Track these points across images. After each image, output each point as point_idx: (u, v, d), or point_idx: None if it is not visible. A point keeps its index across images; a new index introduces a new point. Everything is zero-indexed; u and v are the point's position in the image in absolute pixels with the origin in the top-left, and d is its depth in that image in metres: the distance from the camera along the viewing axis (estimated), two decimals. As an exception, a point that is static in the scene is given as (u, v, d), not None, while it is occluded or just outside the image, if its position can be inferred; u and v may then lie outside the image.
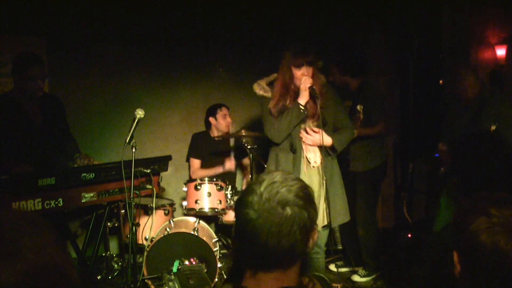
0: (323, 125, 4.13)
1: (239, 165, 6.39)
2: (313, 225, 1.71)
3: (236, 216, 1.75)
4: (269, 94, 4.24)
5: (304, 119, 4.16)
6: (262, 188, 1.69)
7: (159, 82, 6.47)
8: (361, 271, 5.55)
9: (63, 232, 4.68)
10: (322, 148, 4.13)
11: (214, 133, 6.00)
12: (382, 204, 7.01)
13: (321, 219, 4.15)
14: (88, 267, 4.69)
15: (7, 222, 1.28)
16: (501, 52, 6.17)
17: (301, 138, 4.17)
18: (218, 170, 5.80)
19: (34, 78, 4.47)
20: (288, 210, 1.64)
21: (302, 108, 4.10)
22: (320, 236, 4.29)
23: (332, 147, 4.22)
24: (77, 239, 4.99)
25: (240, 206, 1.72)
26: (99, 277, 5.17)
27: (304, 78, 4.08)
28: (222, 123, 5.97)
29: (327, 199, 4.18)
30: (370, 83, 5.66)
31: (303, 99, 4.10)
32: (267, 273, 1.69)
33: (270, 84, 4.30)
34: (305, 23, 6.79)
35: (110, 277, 5.21)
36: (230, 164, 5.80)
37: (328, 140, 4.15)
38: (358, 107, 5.36)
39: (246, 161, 6.18)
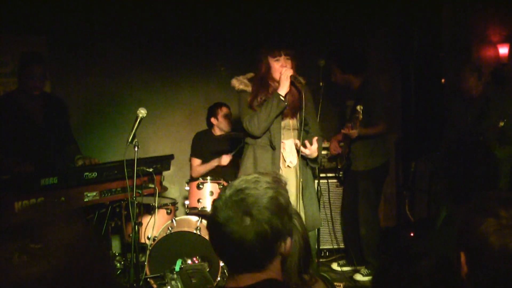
0: (305, 125, 4.15)
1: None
2: (280, 236, 1.68)
3: (208, 220, 1.79)
4: (249, 89, 4.23)
5: (284, 112, 4.14)
6: (228, 193, 1.69)
7: (161, 81, 6.46)
8: (363, 270, 5.55)
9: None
10: (299, 149, 4.14)
11: (217, 132, 5.99)
12: (384, 203, 6.99)
13: None
14: (112, 266, 4.68)
15: (51, 218, 1.28)
16: (503, 50, 6.15)
17: (280, 136, 4.18)
18: (214, 163, 5.76)
19: (32, 76, 4.49)
20: (247, 220, 1.63)
21: (282, 98, 4.06)
22: None
23: (315, 160, 4.25)
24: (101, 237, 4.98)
25: (211, 209, 1.74)
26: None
27: (284, 69, 4.07)
28: (223, 122, 5.96)
29: (303, 203, 4.18)
30: (372, 82, 5.64)
31: (283, 89, 4.07)
32: (242, 274, 1.70)
33: (249, 81, 4.29)
34: (306, 22, 6.78)
35: (112, 276, 5.20)
36: (227, 158, 5.75)
37: (315, 153, 4.17)
38: (358, 107, 5.33)
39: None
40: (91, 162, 4.53)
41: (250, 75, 4.32)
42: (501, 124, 4.51)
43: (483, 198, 1.70)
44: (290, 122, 4.23)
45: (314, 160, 4.23)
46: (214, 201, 1.72)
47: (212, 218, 1.70)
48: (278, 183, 1.75)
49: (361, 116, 5.22)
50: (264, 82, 4.19)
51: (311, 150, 4.11)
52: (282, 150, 4.19)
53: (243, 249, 1.63)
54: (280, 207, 1.69)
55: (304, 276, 1.95)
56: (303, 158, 4.21)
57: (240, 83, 4.27)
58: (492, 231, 1.57)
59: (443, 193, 2.72)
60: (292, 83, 4.09)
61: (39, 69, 4.52)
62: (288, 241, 1.74)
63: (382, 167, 5.61)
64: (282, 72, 4.07)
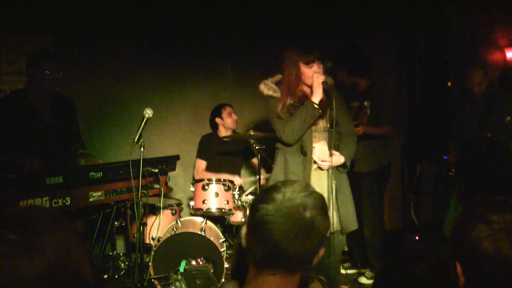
0: (335, 125, 4.02)
1: (248, 165, 6.38)
2: (325, 237, 1.70)
3: (253, 210, 1.73)
4: (278, 94, 4.08)
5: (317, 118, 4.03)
6: (285, 188, 1.69)
7: (167, 82, 6.47)
8: (368, 273, 5.54)
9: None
10: (331, 151, 4.05)
11: (222, 133, 5.98)
12: (389, 206, 6.99)
13: (331, 226, 4.04)
14: (94, 266, 4.68)
15: (32, 216, 1.29)
16: (510, 54, 6.13)
17: (312, 139, 4.07)
18: (223, 176, 5.71)
19: (50, 69, 4.53)
20: (308, 214, 1.64)
21: (317, 106, 3.94)
22: (335, 244, 4.23)
23: (343, 164, 4.14)
24: (84, 238, 4.99)
25: (261, 200, 1.71)
26: (106, 276, 5.17)
27: (316, 75, 3.95)
28: (228, 121, 5.95)
29: (337, 205, 4.11)
30: (378, 84, 5.64)
31: (317, 96, 3.95)
32: (270, 275, 1.68)
33: (276, 84, 4.16)
34: (312, 24, 6.77)
35: (116, 276, 5.21)
36: (239, 180, 5.78)
37: (340, 160, 4.08)
38: (365, 103, 5.31)
39: (254, 161, 6.15)
40: (94, 162, 4.54)
41: (278, 77, 4.18)
42: (508, 118, 4.47)
43: (472, 205, 1.67)
44: (320, 124, 4.11)
45: (342, 165, 4.14)
46: (267, 193, 1.71)
47: (265, 208, 1.67)
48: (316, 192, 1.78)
49: (369, 111, 5.21)
50: (293, 87, 4.05)
51: (332, 162, 4.03)
52: (313, 154, 4.08)
53: (292, 244, 1.63)
54: (326, 208, 1.74)
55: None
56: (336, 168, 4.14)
57: (268, 88, 4.12)
58: (484, 236, 1.54)
59: (459, 198, 2.71)
60: (324, 90, 3.97)
61: (55, 64, 4.58)
62: (322, 251, 1.76)
63: (384, 168, 5.60)
64: (314, 78, 3.95)
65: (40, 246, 1.22)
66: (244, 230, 1.79)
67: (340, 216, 4.12)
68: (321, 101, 3.98)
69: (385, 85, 6.10)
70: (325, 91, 3.97)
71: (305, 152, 4.05)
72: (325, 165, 4.03)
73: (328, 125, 4.08)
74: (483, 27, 6.24)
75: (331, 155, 4.06)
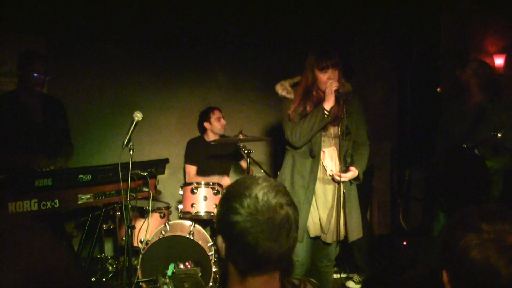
0: (346, 134, 3.99)
1: (237, 168, 6.38)
2: (297, 226, 1.71)
3: (227, 223, 1.68)
4: (291, 96, 4.09)
5: (327, 124, 4.01)
6: (251, 191, 1.67)
7: (157, 85, 6.46)
8: (355, 277, 5.56)
9: (59, 233, 4.67)
10: (341, 158, 4.04)
11: (210, 137, 5.97)
12: (378, 211, 7.01)
13: (334, 233, 4.05)
14: (83, 268, 4.69)
15: (2, 228, 1.26)
16: (499, 61, 6.18)
17: (320, 143, 4.05)
18: (214, 180, 5.70)
19: (37, 71, 4.54)
20: (284, 211, 1.65)
21: (327, 113, 3.92)
22: (332, 250, 4.24)
23: (356, 177, 4.11)
24: (72, 241, 4.99)
25: (232, 211, 1.66)
26: (94, 279, 5.16)
27: (330, 82, 3.92)
28: (217, 126, 5.95)
29: (344, 213, 4.07)
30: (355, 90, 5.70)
31: (328, 103, 3.93)
32: (256, 277, 1.68)
33: (293, 86, 4.16)
34: (305, 29, 6.80)
35: (104, 279, 5.20)
36: (228, 180, 5.77)
37: (355, 174, 4.06)
38: None
39: (243, 164, 6.15)
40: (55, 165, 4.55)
41: (297, 79, 4.18)
42: (499, 135, 4.45)
43: (463, 213, 1.68)
44: (331, 130, 4.08)
45: (356, 177, 4.11)
46: (236, 200, 1.67)
47: (239, 216, 1.65)
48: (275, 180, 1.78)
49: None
50: (308, 91, 4.06)
51: (346, 177, 4.00)
52: (322, 159, 4.06)
53: (283, 243, 1.64)
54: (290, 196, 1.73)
55: (294, 281, 1.95)
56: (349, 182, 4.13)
57: (283, 89, 4.14)
58: (473, 245, 1.55)
59: (438, 201, 2.71)
60: (336, 98, 3.94)
61: (43, 66, 4.59)
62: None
63: (367, 171, 5.62)
64: (328, 85, 3.93)
65: (14, 260, 1.20)
66: (220, 240, 1.74)
67: (347, 225, 4.09)
68: (333, 109, 3.97)
69: (375, 90, 6.12)
70: (337, 99, 3.94)
71: (314, 155, 4.03)
72: (342, 178, 3.99)
73: (340, 133, 4.04)
74: (474, 34, 6.27)
75: (345, 166, 4.05)
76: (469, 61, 5.03)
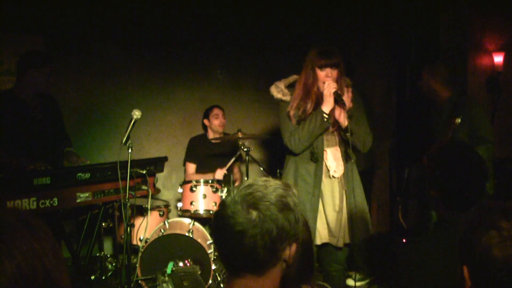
0: (351, 134, 3.81)
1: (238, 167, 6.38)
2: (284, 236, 1.67)
3: (213, 216, 1.77)
4: (288, 98, 3.91)
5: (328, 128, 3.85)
6: (236, 191, 1.71)
7: (156, 83, 6.46)
8: (355, 275, 5.54)
9: (58, 232, 4.67)
10: (343, 155, 3.93)
11: (210, 135, 5.99)
12: (377, 210, 7.01)
13: (343, 236, 3.91)
14: (82, 267, 4.68)
15: (5, 221, 1.27)
16: (498, 59, 6.18)
17: (323, 144, 3.88)
18: (209, 177, 5.70)
19: (51, 74, 4.54)
20: (253, 214, 1.64)
21: (326, 116, 3.78)
22: (342, 254, 4.09)
23: (345, 128, 3.86)
24: (71, 239, 4.97)
25: (218, 206, 1.75)
26: (93, 277, 5.16)
27: (327, 83, 3.76)
28: (214, 123, 5.97)
29: (349, 215, 3.91)
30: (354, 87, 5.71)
31: (327, 106, 3.78)
32: (240, 279, 1.69)
33: (289, 87, 3.98)
34: (304, 27, 6.80)
35: (104, 278, 5.19)
36: (220, 172, 5.73)
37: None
38: None
39: (235, 167, 6.15)
40: (78, 162, 4.52)
41: (293, 78, 4.03)
42: (458, 120, 4.48)
43: (483, 209, 1.67)
44: (332, 128, 3.94)
45: (345, 129, 3.86)
46: (224, 198, 1.75)
47: (218, 212, 1.71)
48: (288, 187, 1.76)
49: (341, 99, 5.22)
50: (308, 90, 3.87)
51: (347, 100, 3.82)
52: (325, 159, 3.90)
53: (245, 244, 1.63)
54: (288, 206, 1.69)
55: (303, 286, 1.94)
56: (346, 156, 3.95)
57: (278, 91, 3.94)
58: (494, 243, 1.55)
59: (431, 200, 2.71)
60: (335, 100, 3.79)
61: (48, 72, 4.56)
62: (294, 247, 1.73)
63: (367, 171, 5.62)
64: (325, 87, 3.77)
65: (10, 252, 1.21)
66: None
67: (353, 226, 3.93)
68: (332, 111, 3.83)
69: (373, 89, 6.12)
70: (336, 101, 3.80)
71: (316, 159, 3.87)
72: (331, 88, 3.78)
73: (349, 133, 3.85)
74: (473, 32, 6.27)
75: (346, 163, 3.93)
76: (425, 74, 5.06)
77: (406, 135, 7.09)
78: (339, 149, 3.95)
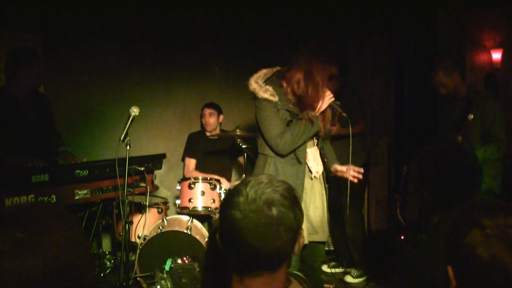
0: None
1: (235, 164, 6.38)
2: (299, 227, 1.68)
3: (221, 218, 1.71)
4: (275, 99, 3.65)
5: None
6: (248, 189, 1.66)
7: (154, 80, 6.46)
8: (353, 271, 5.56)
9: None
10: (320, 154, 3.96)
11: (207, 132, 6.00)
12: (375, 206, 7.01)
13: (325, 230, 3.94)
14: (94, 265, 4.68)
15: (42, 215, 1.30)
16: (496, 55, 6.18)
17: (305, 146, 3.81)
18: (214, 176, 5.70)
19: (32, 75, 4.53)
20: (274, 211, 1.62)
21: (321, 127, 3.81)
22: (323, 248, 4.12)
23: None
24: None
25: (225, 207, 1.69)
26: (91, 274, 5.15)
27: (327, 94, 3.72)
28: (205, 123, 6.02)
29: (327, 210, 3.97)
30: (349, 84, 5.72)
31: (319, 114, 3.78)
32: (255, 278, 1.67)
33: (268, 82, 3.74)
34: (302, 24, 6.79)
35: (102, 275, 5.19)
36: (228, 184, 5.76)
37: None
38: (336, 102, 5.34)
39: (240, 159, 6.16)
40: (73, 161, 4.52)
41: (272, 71, 3.86)
42: (471, 117, 4.47)
43: (465, 208, 1.67)
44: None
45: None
46: (230, 198, 1.68)
47: (232, 214, 1.64)
48: (287, 182, 1.75)
49: (339, 110, 5.23)
50: (311, 96, 3.69)
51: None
52: (308, 162, 3.83)
53: (271, 243, 1.61)
54: (297, 199, 1.70)
55: (290, 278, 1.93)
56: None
57: (264, 91, 3.67)
58: (479, 242, 1.55)
59: (429, 199, 2.71)
60: (333, 111, 3.83)
61: (38, 68, 4.58)
62: (301, 239, 1.72)
63: (363, 167, 5.62)
64: (325, 95, 3.72)
65: (46, 245, 1.23)
66: (217, 236, 1.75)
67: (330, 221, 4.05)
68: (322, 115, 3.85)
69: (357, 88, 6.14)
70: (333, 112, 3.86)
71: (300, 161, 3.77)
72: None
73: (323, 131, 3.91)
74: (471, 29, 6.27)
75: (323, 160, 3.97)
76: (434, 71, 4.98)
77: (405, 132, 7.09)
78: (317, 148, 3.96)
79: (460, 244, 1.59)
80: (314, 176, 3.86)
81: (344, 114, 3.81)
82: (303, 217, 1.70)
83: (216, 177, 5.61)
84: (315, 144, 3.94)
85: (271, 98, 3.66)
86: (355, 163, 5.40)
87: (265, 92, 3.67)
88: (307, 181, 3.83)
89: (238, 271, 1.71)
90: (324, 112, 3.82)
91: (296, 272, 1.99)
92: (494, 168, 4.54)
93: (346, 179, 3.95)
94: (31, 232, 1.24)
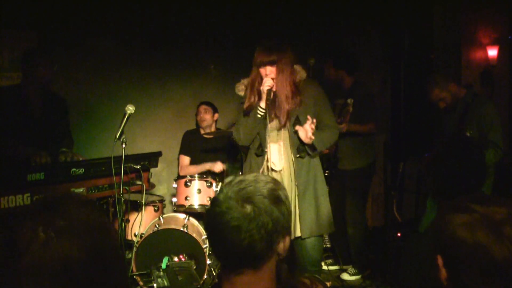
0: (295, 124, 4.00)
1: (230, 162, 6.38)
2: (279, 229, 1.67)
3: (205, 214, 1.76)
4: (242, 94, 4.16)
5: (266, 120, 4.00)
6: (229, 187, 1.70)
7: (150, 78, 6.45)
8: (350, 269, 5.56)
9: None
10: (292, 150, 4.04)
11: (202, 130, 6.00)
12: (372, 203, 7.02)
13: (294, 230, 4.00)
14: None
15: (74, 202, 1.35)
16: (492, 52, 6.19)
17: (266, 139, 4.03)
18: (206, 166, 5.77)
19: (45, 73, 4.67)
20: (248, 208, 1.63)
21: (261, 111, 3.97)
22: (304, 246, 4.17)
23: (312, 145, 4.05)
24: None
25: (210, 204, 1.74)
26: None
27: (264, 80, 3.94)
28: (198, 119, 6.02)
29: (299, 208, 4.04)
30: (363, 82, 5.68)
31: (263, 101, 3.97)
32: (239, 275, 1.68)
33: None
34: (298, 22, 6.79)
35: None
36: (220, 166, 5.76)
37: (302, 132, 3.97)
38: (349, 100, 5.34)
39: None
40: (73, 158, 4.51)
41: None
42: (469, 133, 4.54)
43: (455, 199, 1.68)
44: (275, 124, 4.07)
45: (311, 146, 4.02)
46: (215, 196, 1.73)
47: (211, 209, 1.69)
48: (277, 181, 1.77)
49: (351, 109, 5.24)
50: (252, 86, 4.09)
51: (304, 130, 3.94)
52: (268, 155, 4.04)
53: (242, 239, 1.61)
54: (280, 199, 1.70)
55: (305, 280, 1.93)
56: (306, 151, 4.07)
57: (239, 88, 4.20)
58: (461, 224, 1.55)
59: (430, 194, 2.72)
60: (267, 97, 3.95)
61: (52, 69, 4.73)
62: (287, 240, 1.74)
63: (369, 166, 5.63)
64: (262, 84, 3.96)
65: (85, 231, 1.28)
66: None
67: (301, 221, 4.05)
68: (277, 104, 4.02)
69: (369, 85, 6.13)
70: (268, 97, 3.96)
71: (259, 153, 4.06)
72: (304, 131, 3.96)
73: (289, 125, 4.04)
74: (466, 26, 6.28)
75: (297, 158, 4.04)
76: (428, 88, 4.97)
77: (401, 129, 7.09)
78: (283, 144, 4.07)
79: (446, 229, 1.59)
80: (272, 169, 4.03)
81: (270, 97, 3.97)
82: (286, 219, 1.70)
83: (209, 166, 5.71)
84: (282, 139, 4.08)
85: (240, 93, 4.18)
86: (360, 163, 5.44)
87: (240, 90, 4.21)
88: (272, 174, 3.99)
89: (223, 268, 1.74)
90: (277, 101, 4.00)
91: (316, 276, 2.00)
92: (488, 172, 4.56)
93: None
94: (71, 219, 1.28)
